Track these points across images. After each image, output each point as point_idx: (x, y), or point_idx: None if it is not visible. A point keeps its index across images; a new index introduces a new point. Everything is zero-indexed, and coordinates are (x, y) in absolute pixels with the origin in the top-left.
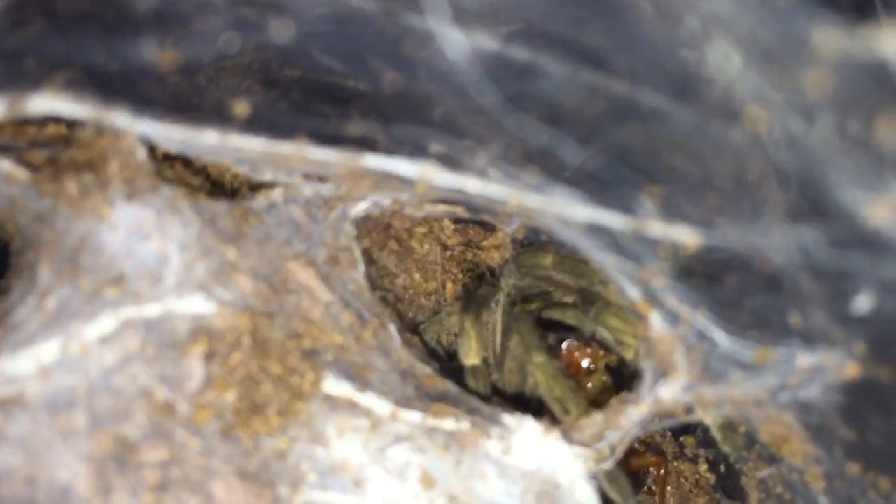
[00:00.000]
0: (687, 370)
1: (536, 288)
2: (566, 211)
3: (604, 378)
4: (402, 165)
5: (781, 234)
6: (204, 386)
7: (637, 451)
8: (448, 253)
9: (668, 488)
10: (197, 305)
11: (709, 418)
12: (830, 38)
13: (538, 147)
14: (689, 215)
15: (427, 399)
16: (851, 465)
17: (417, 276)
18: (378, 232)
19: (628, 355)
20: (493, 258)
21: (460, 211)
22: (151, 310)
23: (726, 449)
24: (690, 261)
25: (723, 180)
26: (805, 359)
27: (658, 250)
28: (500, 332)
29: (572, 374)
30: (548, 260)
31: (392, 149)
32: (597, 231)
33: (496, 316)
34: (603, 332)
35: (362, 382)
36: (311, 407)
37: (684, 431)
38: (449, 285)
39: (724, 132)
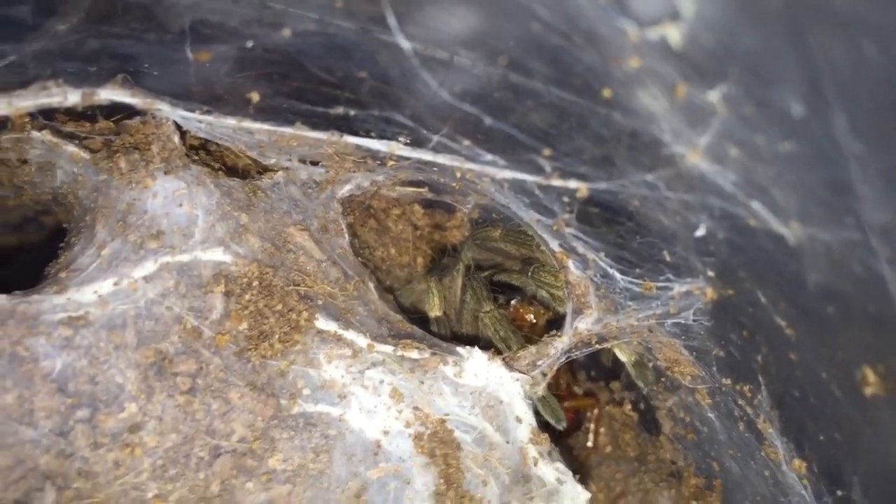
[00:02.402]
0: (596, 306)
1: (489, 260)
2: (493, 172)
3: (542, 326)
4: (375, 143)
5: (634, 182)
6: (223, 317)
7: (576, 394)
8: (418, 232)
9: (602, 428)
10: (217, 256)
11: (624, 356)
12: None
13: (469, 124)
14: (576, 171)
15: (398, 337)
16: (725, 380)
17: (393, 250)
18: (360, 211)
19: (561, 309)
20: (455, 236)
21: (425, 192)
22: (183, 258)
23: (640, 383)
24: (584, 209)
25: (591, 143)
26: (677, 287)
27: (563, 203)
28: (459, 291)
29: (519, 326)
30: (497, 233)
31: (368, 133)
32: (520, 190)
33: (456, 279)
34: (542, 293)
35: (346, 322)
36: (306, 338)
37: (613, 377)
38: (419, 259)
39: (588, 107)
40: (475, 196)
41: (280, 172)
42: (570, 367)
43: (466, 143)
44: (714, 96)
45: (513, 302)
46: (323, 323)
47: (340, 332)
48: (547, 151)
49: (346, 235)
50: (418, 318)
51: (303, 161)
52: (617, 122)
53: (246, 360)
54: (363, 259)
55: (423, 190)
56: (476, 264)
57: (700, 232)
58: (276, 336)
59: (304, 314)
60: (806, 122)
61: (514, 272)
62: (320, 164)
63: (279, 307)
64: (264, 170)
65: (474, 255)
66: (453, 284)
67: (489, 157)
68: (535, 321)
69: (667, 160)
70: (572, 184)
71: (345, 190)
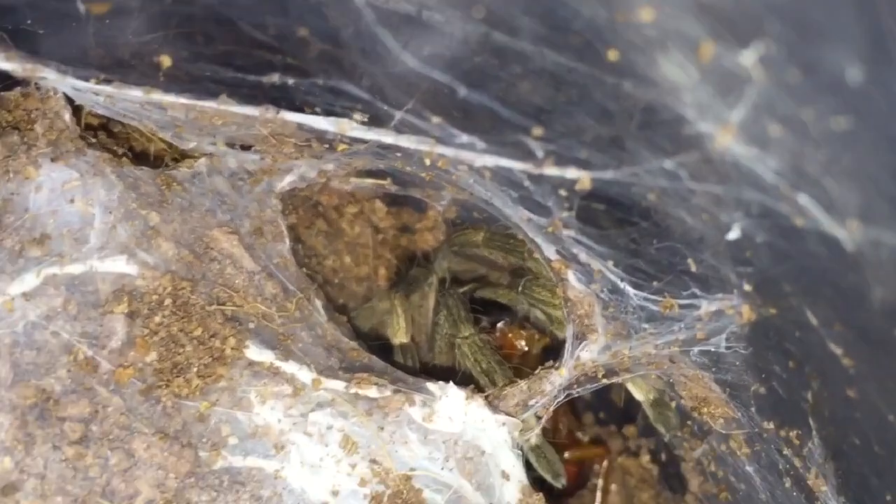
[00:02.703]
0: (604, 329)
1: (470, 271)
2: (471, 158)
3: (537, 356)
4: (321, 121)
5: (649, 170)
6: (125, 345)
7: (580, 442)
8: (380, 236)
9: (613, 485)
10: (119, 267)
11: (640, 393)
12: None
13: (441, 97)
14: (575, 157)
15: (351, 370)
16: (766, 423)
17: (348, 258)
18: (305, 209)
19: (561, 334)
20: (426, 241)
21: (388, 184)
22: (74, 269)
23: (660, 428)
24: (587, 206)
25: (594, 120)
26: (706, 305)
27: (559, 198)
28: (430, 311)
29: (506, 355)
30: (479, 237)
31: (312, 108)
32: (506, 181)
33: (428, 297)
34: (536, 313)
35: (285, 351)
36: (232, 372)
37: (627, 421)
38: (381, 270)
39: (590, 74)
40: (451, 189)
41: (202, 160)
42: (573, 408)
43: (437, 120)
44: (748, 58)
45: (499, 325)
46: (255, 352)
47: (278, 363)
48: (538, 131)
49: (287, 240)
50: (379, 345)
51: (231, 145)
52: (627, 94)
53: (155, 400)
54: (309, 270)
55: (386, 182)
56: (453, 277)
57: (733, 234)
58: (195, 369)
59: (231, 341)
60: (865, 92)
61: (501, 287)
62: (253, 148)
63: (198, 332)
64: (182, 156)
65: (451, 266)
66: (424, 303)
67: (465, 138)
68: (527, 349)
69: (690, 142)
70: (571, 172)
71: (285, 182)
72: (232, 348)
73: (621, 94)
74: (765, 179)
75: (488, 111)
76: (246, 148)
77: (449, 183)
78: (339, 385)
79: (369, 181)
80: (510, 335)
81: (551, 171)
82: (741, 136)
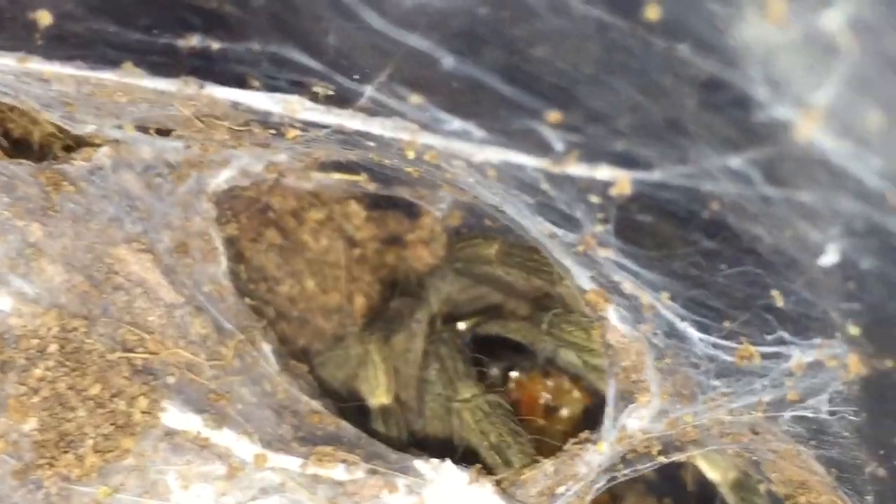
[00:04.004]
0: (658, 387)
1: (478, 300)
2: (468, 150)
3: (571, 417)
4: (261, 99)
5: (711, 169)
6: None
7: None
8: (357, 251)
9: None
10: None
11: (715, 473)
12: None
13: (421, 68)
14: (608, 150)
15: (311, 442)
16: None
17: (311, 283)
18: (250, 215)
19: (603, 386)
20: (421, 257)
21: (363, 181)
22: None
23: None
24: (628, 217)
25: (634, 101)
26: (798, 356)
27: (590, 207)
28: (419, 358)
29: (526, 417)
30: (492, 249)
31: (247, 81)
32: (516, 183)
33: (415, 339)
34: (567, 356)
35: (218, 416)
36: (143, 445)
37: None
38: (359, 299)
39: (626, 35)
40: (450, 190)
41: (104, 149)
42: (628, 489)
43: (417, 100)
44: (833, 20)
45: (513, 373)
46: (175, 417)
47: (207, 432)
48: (555, 116)
49: (224, 259)
50: (353, 406)
51: (143, 129)
52: (678, 64)
53: (34, 485)
54: (256, 300)
55: (361, 178)
56: (452, 309)
57: (829, 258)
58: (90, 442)
59: (142, 402)
60: None
61: (519, 320)
62: (174, 133)
63: (96, 390)
64: (76, 144)
65: (451, 292)
66: (411, 346)
67: (457, 123)
68: (554, 405)
69: (764, 132)
70: (603, 172)
71: (221, 178)
72: (142, 412)
73: (670, 63)
74: (866, 184)
75: (486, 88)
76: (163, 133)
77: (444, 182)
78: (292, 463)
79: (337, 177)
80: (529, 387)
81: (576, 169)
82: (830, 125)
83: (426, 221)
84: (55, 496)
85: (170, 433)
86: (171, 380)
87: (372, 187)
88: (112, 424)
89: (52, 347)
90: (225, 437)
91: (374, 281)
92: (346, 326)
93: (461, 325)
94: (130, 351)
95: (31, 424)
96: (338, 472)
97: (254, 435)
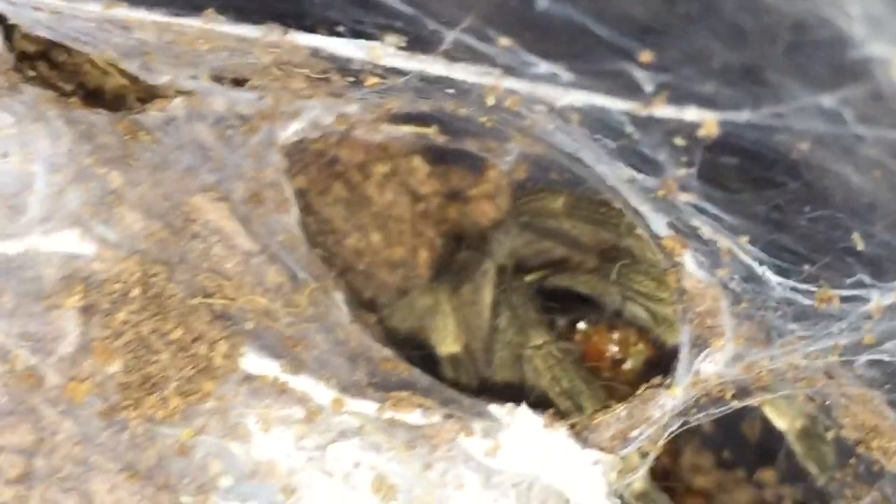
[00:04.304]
0: (733, 332)
1: (544, 253)
2: (553, 95)
3: (634, 369)
4: (345, 45)
5: (800, 110)
6: (79, 351)
7: (676, 491)
8: (421, 206)
9: None
10: (70, 245)
11: (783, 421)
12: None
13: (510, 9)
14: (697, 92)
15: (385, 388)
16: None
17: (376, 236)
18: (319, 168)
19: (670, 337)
20: (485, 212)
21: (433, 133)
22: (8, 248)
23: (812, 469)
24: (713, 160)
25: (724, 41)
26: (877, 298)
27: (674, 150)
28: (488, 309)
29: (595, 368)
30: (558, 203)
31: (333, 27)
32: (601, 126)
33: (483, 290)
34: (635, 310)
35: (294, 361)
36: (224, 389)
37: (764, 461)
38: (422, 252)
39: None
40: (520, 140)
41: (178, 100)
42: (685, 443)
43: (505, 42)
44: None
45: (579, 325)
46: (254, 362)
47: (285, 377)
48: (646, 56)
49: (296, 209)
50: (420, 355)
51: (218, 79)
52: (773, 3)
53: (119, 425)
54: (325, 251)
55: (431, 131)
56: (518, 262)
57: None
58: (173, 385)
59: (222, 347)
60: None
61: (586, 273)
62: (249, 84)
63: (178, 335)
64: (151, 96)
65: (517, 247)
66: (477, 298)
67: (545, 66)
68: (622, 358)
69: (858, 70)
70: (691, 113)
71: (290, 131)
72: (223, 356)
73: (765, 2)
74: None
75: (578, 29)
76: (239, 83)
77: (519, 131)
78: (369, 407)
79: (407, 129)
80: (595, 339)
81: (664, 111)
82: None
83: (491, 175)
84: (140, 437)
85: (249, 378)
86: (249, 325)
87: (441, 140)
88: (194, 368)
89: (135, 292)
90: (302, 383)
91: (437, 235)
92: (411, 280)
93: (528, 278)
94: (210, 297)
95: (115, 367)
96: (414, 416)
97: (331, 380)
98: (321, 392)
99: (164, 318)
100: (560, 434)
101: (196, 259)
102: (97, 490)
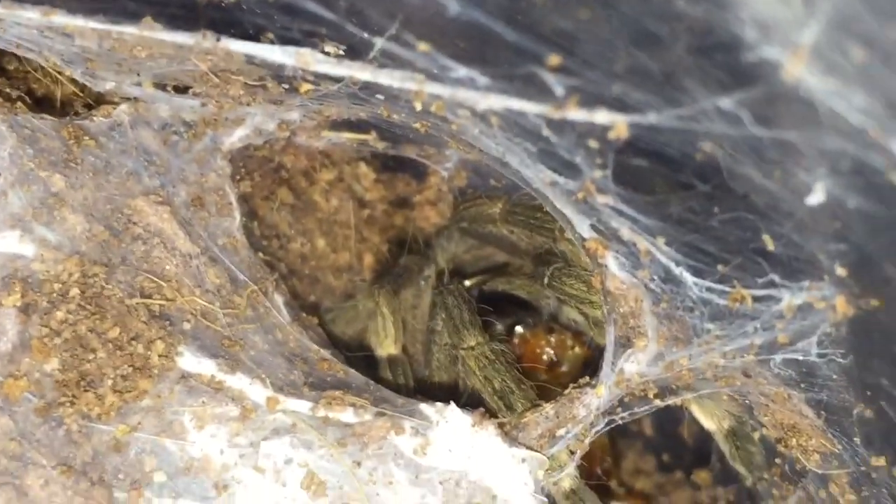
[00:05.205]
0: (655, 332)
1: (483, 258)
2: (473, 98)
3: (570, 371)
4: (275, 52)
5: (703, 111)
6: (18, 349)
7: (615, 493)
8: (366, 212)
9: None
10: (10, 245)
11: (710, 421)
12: None
13: (428, 16)
14: (606, 95)
15: (320, 387)
16: (875, 459)
17: (322, 242)
18: (263, 174)
19: (603, 339)
20: (428, 218)
21: (373, 140)
22: None
23: (740, 468)
24: (625, 162)
25: (631, 45)
26: (788, 298)
27: (589, 152)
28: (426, 312)
29: (530, 369)
30: (496, 209)
31: (262, 34)
32: (519, 130)
33: (423, 294)
34: (569, 313)
35: (231, 361)
36: (160, 387)
37: (698, 464)
38: (367, 257)
39: None
40: (456, 146)
41: (123, 106)
42: (627, 447)
43: (424, 47)
44: None
45: (518, 329)
46: (191, 361)
47: (221, 376)
48: (555, 60)
49: (238, 214)
50: (363, 357)
51: (161, 86)
52: (672, 9)
53: (55, 422)
54: (268, 256)
55: (370, 137)
56: (459, 267)
57: (815, 198)
58: (109, 382)
59: (158, 346)
60: None
61: (524, 278)
62: (191, 91)
63: (115, 334)
64: (96, 101)
65: (458, 251)
66: (418, 302)
67: (462, 71)
68: (556, 360)
69: (753, 72)
70: (601, 116)
71: (235, 137)
72: (159, 355)
73: (665, 8)
74: (849, 121)
75: (489, 33)
76: (182, 90)
77: (450, 136)
78: (302, 406)
79: (348, 136)
80: (533, 342)
81: (576, 114)
82: (816, 64)
83: (433, 181)
84: (76, 433)
85: (185, 376)
86: (186, 326)
87: (381, 146)
88: (130, 366)
89: (74, 292)
90: (238, 381)
91: (383, 241)
92: (355, 284)
93: (468, 282)
94: (148, 297)
95: (52, 364)
96: (347, 415)
97: (266, 379)
98: (256, 390)
99: (102, 318)
100: (488, 432)
101: (137, 260)
102: (32, 485)
